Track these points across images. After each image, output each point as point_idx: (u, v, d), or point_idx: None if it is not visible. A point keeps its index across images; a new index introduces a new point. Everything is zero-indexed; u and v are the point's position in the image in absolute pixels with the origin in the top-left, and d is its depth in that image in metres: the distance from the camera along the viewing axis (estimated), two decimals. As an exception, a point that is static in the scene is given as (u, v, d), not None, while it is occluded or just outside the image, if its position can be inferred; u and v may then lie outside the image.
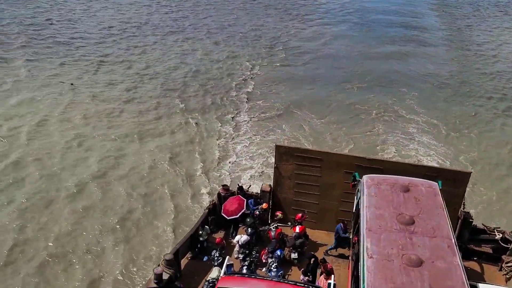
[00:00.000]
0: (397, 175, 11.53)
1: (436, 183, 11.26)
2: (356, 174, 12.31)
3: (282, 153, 14.08)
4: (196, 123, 25.32)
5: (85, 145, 22.25)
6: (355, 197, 12.13)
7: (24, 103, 25.96)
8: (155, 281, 10.73)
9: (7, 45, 34.19)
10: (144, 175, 20.23)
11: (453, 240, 9.35)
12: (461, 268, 8.67)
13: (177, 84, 30.43)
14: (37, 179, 19.38)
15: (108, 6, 47.78)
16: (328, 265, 11.34)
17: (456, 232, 12.70)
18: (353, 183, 12.38)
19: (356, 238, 11.05)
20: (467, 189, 13.34)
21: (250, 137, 24.35)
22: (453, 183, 12.63)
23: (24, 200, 18.06)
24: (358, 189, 11.74)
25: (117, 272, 15.02)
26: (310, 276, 11.83)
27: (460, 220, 13.22)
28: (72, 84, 28.65)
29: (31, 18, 40.55)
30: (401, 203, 10.31)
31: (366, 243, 9.20)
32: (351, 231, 12.36)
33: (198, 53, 36.48)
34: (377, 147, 23.87)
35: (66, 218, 17.37)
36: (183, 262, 12.64)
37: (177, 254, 11.98)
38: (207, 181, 20.16)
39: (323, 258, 11.94)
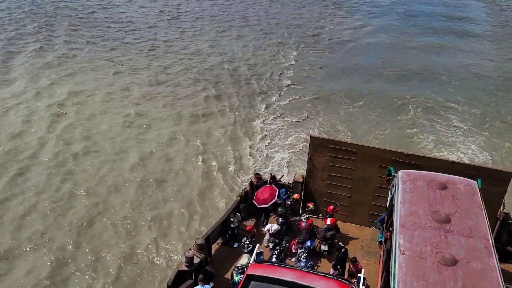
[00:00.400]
0: (435, 171, 11.23)
1: (475, 182, 10.90)
2: (392, 168, 12.08)
3: (317, 144, 13.99)
4: (232, 110, 25.53)
5: (129, 127, 23.24)
6: (389, 192, 11.92)
7: (81, 83, 27.31)
8: (186, 264, 10.96)
9: (62, 29, 35.48)
10: (175, 159, 20.59)
11: (490, 241, 9.05)
12: (498, 270, 8.40)
13: (219, 70, 30.84)
14: (96, 153, 20.66)
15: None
16: (359, 265, 11.22)
17: (494, 233, 12.29)
18: (388, 178, 12.15)
19: (388, 234, 10.89)
20: (508, 189, 12.85)
21: (285, 126, 24.31)
22: (493, 182, 12.21)
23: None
24: (393, 184, 11.52)
25: (149, 253, 15.47)
26: (340, 269, 11.80)
27: (499, 221, 12.80)
28: (122, 65, 30.18)
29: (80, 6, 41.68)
30: (437, 200, 10.05)
31: (398, 239, 9.04)
32: (384, 226, 12.19)
33: (242, 39, 36.85)
34: (415, 142, 23.31)
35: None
36: (214, 247, 12.84)
37: (208, 239, 12.18)
38: (240, 169, 20.30)
39: (354, 257, 11.83)
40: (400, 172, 11.20)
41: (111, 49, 32.70)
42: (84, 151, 20.80)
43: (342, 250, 12.00)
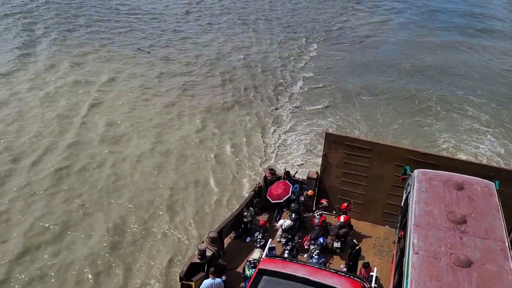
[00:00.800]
0: (452, 171, 11.10)
1: (493, 183, 10.73)
2: (407, 167, 11.96)
3: (332, 141, 13.93)
4: (250, 102, 25.69)
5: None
6: (404, 191, 11.83)
7: (113, 70, 28.31)
8: (199, 257, 11.05)
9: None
10: (189, 153, 20.69)
11: (507, 243, 8.92)
12: None
13: (239, 62, 31.02)
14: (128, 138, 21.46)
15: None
16: (371, 270, 11.15)
17: (511, 235, 12.10)
18: (403, 176, 12.04)
19: (402, 233, 10.81)
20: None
21: (301, 121, 24.27)
22: (511, 184, 12.01)
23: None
24: (408, 183, 11.42)
25: (161, 244, 15.62)
26: (351, 263, 11.77)
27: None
28: (149, 52, 31.33)
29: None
30: (453, 201, 9.93)
31: (412, 239, 8.98)
32: (398, 225, 12.10)
33: (263, 32, 37.11)
34: (432, 140, 23.03)
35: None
36: (226, 241, 12.91)
37: (221, 233, 12.26)
38: (254, 164, 20.32)
39: (367, 262, 11.77)
40: (416, 171, 11.09)
41: (141, 38, 33.77)
42: (116, 133, 21.68)
43: (356, 248, 11.95)
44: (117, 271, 14.33)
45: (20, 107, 22.92)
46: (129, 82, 26.99)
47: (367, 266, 11.48)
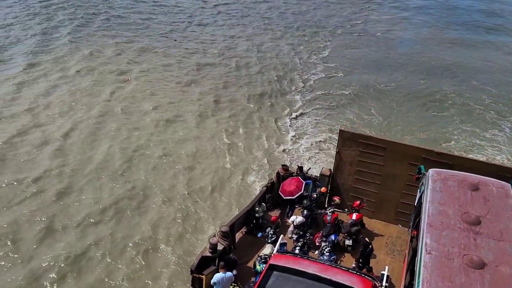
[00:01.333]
0: (467, 172, 10.96)
1: (509, 184, 10.56)
2: (422, 167, 11.85)
3: (346, 138, 13.86)
4: (263, 97, 25.77)
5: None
6: (418, 190, 11.72)
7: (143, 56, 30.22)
8: (210, 250, 11.12)
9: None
10: (203, 149, 20.78)
11: None
12: None
13: (250, 60, 30.99)
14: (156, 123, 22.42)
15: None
16: (373, 275, 11.04)
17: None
18: (417, 176, 11.93)
19: (415, 232, 10.73)
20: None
21: (315, 118, 24.19)
22: (528, 186, 11.81)
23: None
24: (422, 182, 11.32)
25: (173, 238, 15.73)
26: (362, 261, 11.72)
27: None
28: (175, 40, 33.20)
29: None
30: (468, 201, 9.81)
31: (425, 239, 8.90)
32: (411, 224, 12.01)
33: (277, 33, 37.00)
34: (447, 139, 22.76)
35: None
36: (238, 235, 12.97)
37: (233, 227, 12.31)
38: (267, 160, 20.32)
39: (371, 267, 11.73)
40: (431, 171, 10.98)
41: (169, 31, 35.04)
42: (142, 112, 23.12)
43: (370, 247, 11.89)
44: (133, 259, 14.54)
45: (74, 87, 24.88)
46: (160, 70, 28.22)
47: (370, 270, 11.46)
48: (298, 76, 29.09)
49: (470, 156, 19.45)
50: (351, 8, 45.06)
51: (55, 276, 13.65)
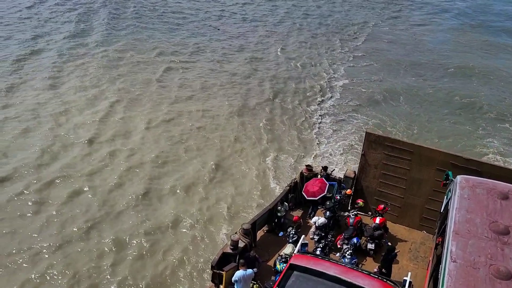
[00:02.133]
0: (496, 180, 10.66)
1: (541, 195, 10.23)
2: (450, 172, 11.60)
3: (372, 140, 13.68)
4: (289, 101, 25.57)
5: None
6: (445, 197, 11.47)
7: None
8: (231, 247, 11.18)
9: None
10: (228, 148, 20.87)
11: None
12: None
13: (272, 63, 30.89)
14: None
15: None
16: None
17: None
18: (445, 182, 11.69)
19: (439, 239, 10.51)
20: None
21: (340, 119, 23.97)
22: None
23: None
24: (450, 189, 11.07)
25: (194, 233, 15.89)
26: (384, 266, 11.57)
27: None
28: (218, 29, 35.58)
29: None
30: (497, 210, 9.54)
31: (451, 246, 8.70)
32: (436, 231, 11.78)
33: (302, 36, 36.82)
34: (477, 146, 22.20)
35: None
36: (259, 234, 12.99)
37: (255, 225, 12.34)
38: (291, 160, 20.26)
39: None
40: (459, 177, 10.72)
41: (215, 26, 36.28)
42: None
43: (394, 252, 11.69)
44: (149, 257, 14.77)
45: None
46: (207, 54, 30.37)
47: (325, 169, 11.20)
48: (325, 75, 28.94)
49: (499, 163, 18.93)
50: (382, 10, 44.53)
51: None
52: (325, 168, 14.58)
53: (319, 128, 23.03)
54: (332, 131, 22.83)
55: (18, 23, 32.54)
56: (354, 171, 14.48)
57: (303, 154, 20.75)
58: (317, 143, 21.70)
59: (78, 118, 21.64)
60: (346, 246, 12.37)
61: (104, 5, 37.65)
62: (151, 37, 32.42)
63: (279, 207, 13.27)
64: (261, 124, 22.79)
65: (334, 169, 15.46)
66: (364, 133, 14.14)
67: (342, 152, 21.06)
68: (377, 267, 11.80)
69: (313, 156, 20.56)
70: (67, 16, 34.76)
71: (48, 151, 19.03)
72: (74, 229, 15.32)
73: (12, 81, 24.33)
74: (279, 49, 32.77)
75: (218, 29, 35.03)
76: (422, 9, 46.50)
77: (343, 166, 19.15)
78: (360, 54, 33.17)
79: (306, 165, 15.07)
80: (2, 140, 19.46)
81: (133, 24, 34.49)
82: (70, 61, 27.36)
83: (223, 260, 11.01)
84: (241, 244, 11.37)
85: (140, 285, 13.60)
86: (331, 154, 20.81)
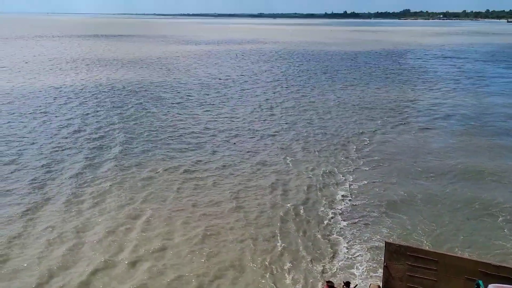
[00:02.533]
0: (533, 288, 9.97)
1: None
2: (480, 282, 10.94)
3: (393, 251, 13.19)
4: (296, 208, 25.37)
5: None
6: (479, 308, 10.66)
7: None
8: None
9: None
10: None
11: None
12: None
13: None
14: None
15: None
16: None
17: None
18: (476, 292, 10.96)
19: None
20: None
21: (358, 228, 23.34)
22: None
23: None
24: (483, 300, 10.33)
25: None
26: None
27: None
28: (234, 143, 37.82)
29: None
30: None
31: None
32: None
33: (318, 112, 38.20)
34: (506, 251, 21.12)
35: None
36: None
37: None
38: (310, 275, 19.35)
39: (348, 282, 10.41)
40: (491, 286, 10.08)
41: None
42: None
43: None
44: None
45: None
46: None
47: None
48: (335, 183, 28.96)
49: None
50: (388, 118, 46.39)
51: None
52: (347, 284, 13.86)
53: (335, 239, 22.35)
54: (350, 241, 22.08)
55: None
56: (378, 285, 13.73)
57: (322, 267, 19.83)
58: (334, 255, 20.87)
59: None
60: None
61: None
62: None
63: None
64: (271, 237, 22.29)
65: (357, 284, 14.64)
66: (384, 243, 13.67)
67: (363, 263, 20.12)
68: None
69: (332, 271, 19.62)
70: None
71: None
72: None
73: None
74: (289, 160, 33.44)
75: (234, 143, 37.48)
76: (426, 116, 48.21)
77: (366, 278, 18.17)
78: (370, 159, 33.60)
79: (327, 281, 14.37)
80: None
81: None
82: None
83: None
84: None
85: None
86: (351, 267, 19.87)
